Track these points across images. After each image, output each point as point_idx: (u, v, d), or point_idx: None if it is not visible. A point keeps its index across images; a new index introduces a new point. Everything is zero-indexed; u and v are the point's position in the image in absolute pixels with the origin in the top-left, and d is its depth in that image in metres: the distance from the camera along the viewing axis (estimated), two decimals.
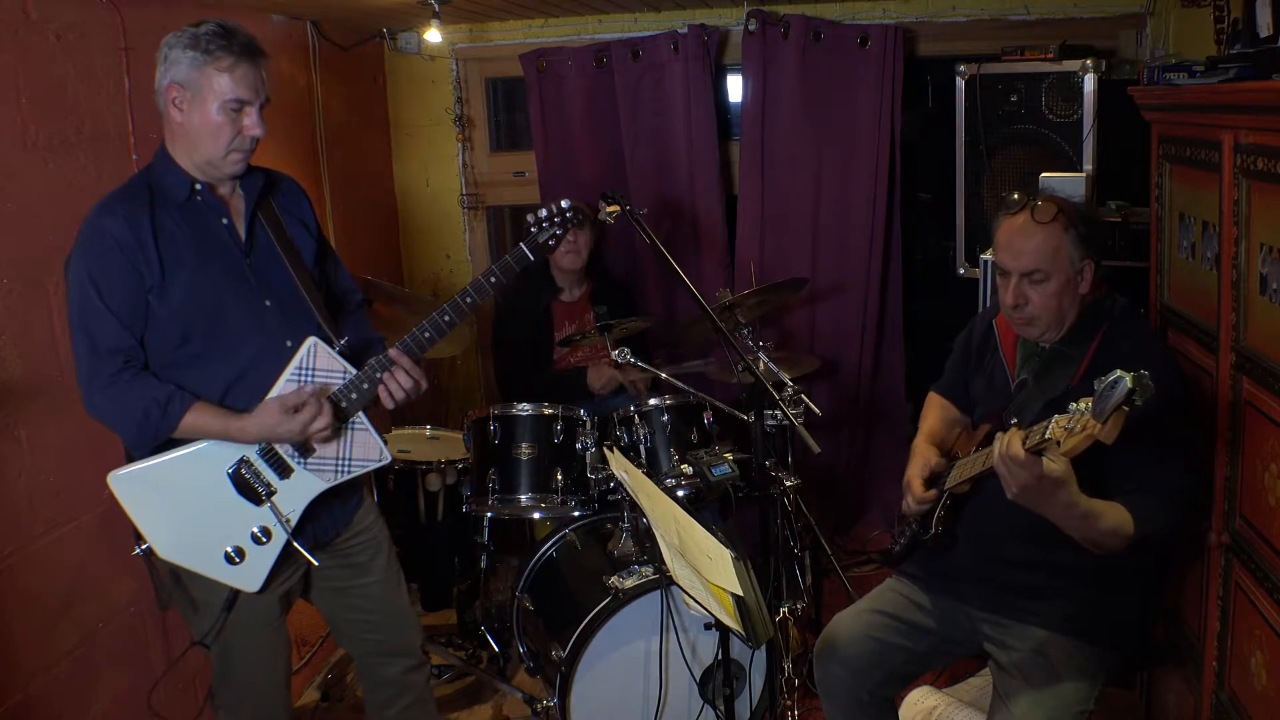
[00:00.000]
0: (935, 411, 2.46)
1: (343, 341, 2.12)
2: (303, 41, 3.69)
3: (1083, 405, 1.63)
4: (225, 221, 2.07)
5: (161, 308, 1.98)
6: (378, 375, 2.10)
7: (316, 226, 2.27)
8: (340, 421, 2.10)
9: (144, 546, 2.05)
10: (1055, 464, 1.74)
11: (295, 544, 2.09)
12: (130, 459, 2.04)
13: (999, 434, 1.83)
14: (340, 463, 2.12)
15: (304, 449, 2.09)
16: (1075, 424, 1.64)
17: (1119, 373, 1.55)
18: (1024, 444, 1.75)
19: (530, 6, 3.85)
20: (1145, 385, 1.53)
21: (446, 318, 2.14)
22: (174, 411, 1.96)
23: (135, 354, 1.98)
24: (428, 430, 3.68)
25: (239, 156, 2.01)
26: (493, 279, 2.16)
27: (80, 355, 1.98)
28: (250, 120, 1.98)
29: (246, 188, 2.11)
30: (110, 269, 1.94)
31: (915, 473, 2.27)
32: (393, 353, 2.11)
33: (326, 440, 2.08)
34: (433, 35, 3.75)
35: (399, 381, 2.11)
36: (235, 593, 2.08)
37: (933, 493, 2.21)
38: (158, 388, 1.97)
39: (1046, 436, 1.70)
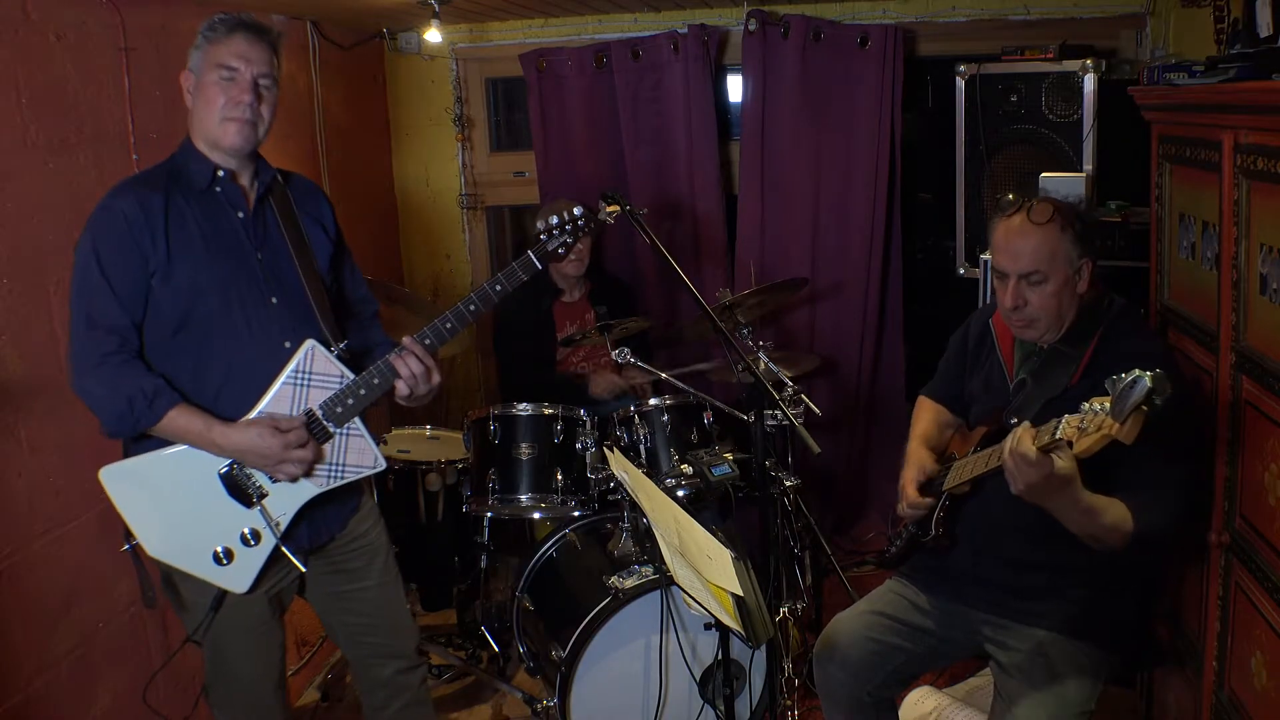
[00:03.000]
0: (928, 414, 2.45)
1: (341, 345, 2.10)
2: (303, 41, 3.69)
3: (1097, 405, 1.62)
4: (242, 215, 2.06)
5: (163, 290, 1.96)
6: (386, 372, 2.07)
7: (336, 230, 2.25)
8: (337, 427, 2.08)
9: (132, 543, 2.02)
10: (1064, 462, 1.74)
11: (284, 549, 2.07)
12: (127, 455, 2.03)
13: (1015, 429, 1.81)
14: (333, 468, 2.10)
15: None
16: (1089, 424, 1.63)
17: (1138, 372, 1.53)
18: (1034, 442, 1.75)
19: (530, 6, 3.85)
20: (1164, 384, 1.52)
21: (449, 325, 2.11)
22: (159, 407, 1.94)
23: (130, 337, 1.96)
24: (428, 430, 3.68)
25: (234, 126, 1.99)
26: (498, 287, 2.12)
27: (75, 331, 1.95)
28: (240, 88, 1.98)
29: (260, 179, 2.10)
30: (115, 245, 1.93)
31: (910, 477, 2.24)
32: (407, 340, 2.09)
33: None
34: (433, 35, 3.75)
35: (410, 367, 2.07)
36: (223, 592, 2.06)
37: (928, 499, 2.20)
38: (146, 378, 1.94)
39: (1057, 436, 1.70)
